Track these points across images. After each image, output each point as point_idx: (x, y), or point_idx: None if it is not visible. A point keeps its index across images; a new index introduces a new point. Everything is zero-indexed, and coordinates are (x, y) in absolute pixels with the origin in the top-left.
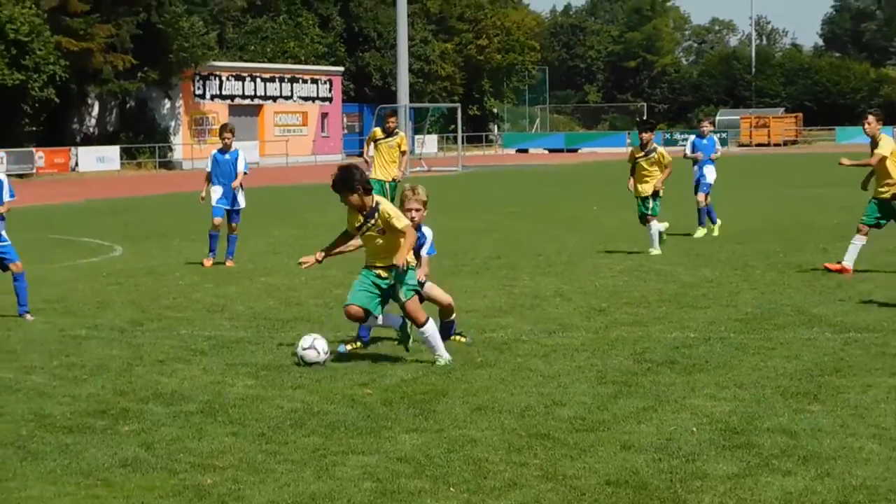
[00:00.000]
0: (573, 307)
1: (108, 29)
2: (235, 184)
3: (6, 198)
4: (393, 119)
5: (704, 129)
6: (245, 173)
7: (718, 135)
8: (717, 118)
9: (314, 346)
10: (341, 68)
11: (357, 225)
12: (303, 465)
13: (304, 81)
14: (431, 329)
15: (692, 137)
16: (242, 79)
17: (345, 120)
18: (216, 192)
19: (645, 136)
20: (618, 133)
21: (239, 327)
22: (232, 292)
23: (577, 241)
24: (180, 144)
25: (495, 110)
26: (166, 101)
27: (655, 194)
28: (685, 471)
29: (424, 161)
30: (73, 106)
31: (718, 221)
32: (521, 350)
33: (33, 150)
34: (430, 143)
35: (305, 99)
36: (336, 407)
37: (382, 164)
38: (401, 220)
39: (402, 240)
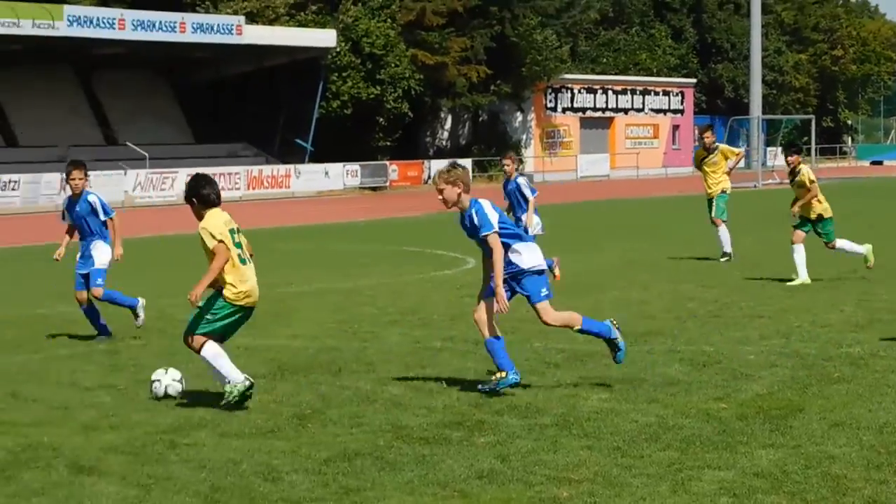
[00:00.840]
0: None
1: (462, 42)
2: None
3: (102, 217)
4: (707, 134)
5: None
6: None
7: None
8: None
9: (169, 372)
10: (693, 80)
11: None
12: (658, 479)
13: (656, 93)
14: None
15: None
16: (594, 91)
17: (696, 132)
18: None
19: (790, 158)
20: None
21: (592, 340)
22: (583, 305)
23: None
24: (532, 157)
25: (849, 122)
26: (518, 114)
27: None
28: None
29: (777, 173)
30: (426, 119)
31: None
32: (879, 366)
33: (387, 162)
34: (782, 156)
35: (657, 111)
36: (691, 421)
37: (712, 182)
38: (211, 240)
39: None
